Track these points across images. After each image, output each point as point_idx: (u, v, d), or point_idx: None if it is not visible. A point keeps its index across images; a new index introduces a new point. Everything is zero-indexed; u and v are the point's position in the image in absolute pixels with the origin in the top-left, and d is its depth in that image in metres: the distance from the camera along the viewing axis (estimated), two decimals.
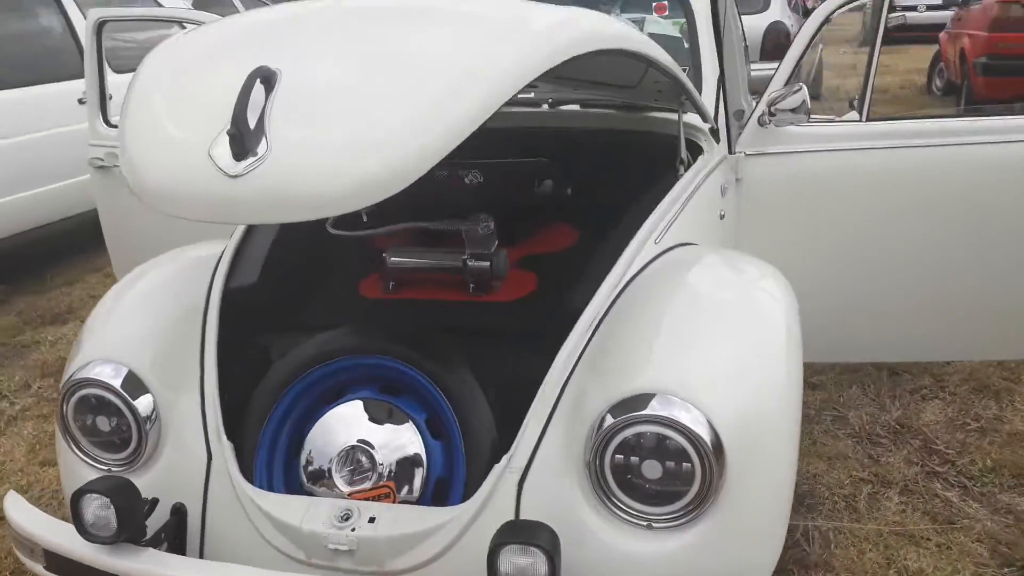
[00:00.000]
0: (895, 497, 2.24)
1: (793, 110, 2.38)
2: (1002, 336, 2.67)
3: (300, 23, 1.38)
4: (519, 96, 2.57)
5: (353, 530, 1.54)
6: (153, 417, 1.73)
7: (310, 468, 1.67)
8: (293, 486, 1.70)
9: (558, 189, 2.21)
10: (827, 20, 2.42)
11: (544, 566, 1.33)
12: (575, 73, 1.98)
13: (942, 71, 9.55)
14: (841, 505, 2.21)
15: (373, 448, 1.64)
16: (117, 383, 1.73)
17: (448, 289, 1.99)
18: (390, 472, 1.63)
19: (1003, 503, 2.21)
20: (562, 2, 1.50)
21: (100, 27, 3.05)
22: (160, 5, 5.37)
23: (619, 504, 1.49)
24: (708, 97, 2.46)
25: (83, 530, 1.52)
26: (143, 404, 1.73)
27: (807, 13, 9.22)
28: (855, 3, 2.35)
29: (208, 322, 1.83)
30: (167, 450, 1.73)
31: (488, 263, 1.93)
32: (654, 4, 3.35)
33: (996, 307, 2.61)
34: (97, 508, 1.51)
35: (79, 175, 3.98)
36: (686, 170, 2.26)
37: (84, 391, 1.74)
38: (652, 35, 3.16)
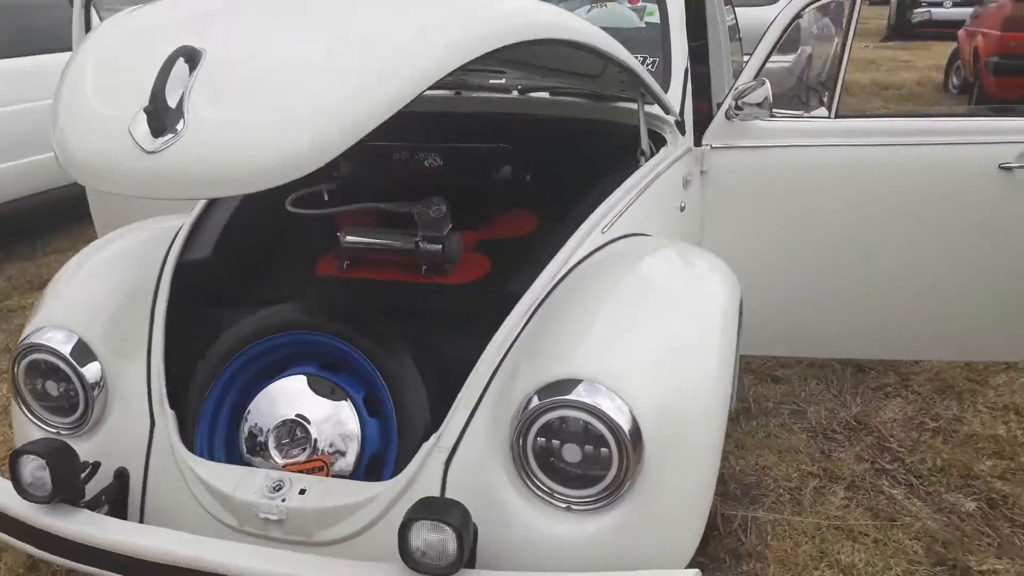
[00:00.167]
0: (840, 492, 2.26)
1: (759, 104, 2.38)
2: (969, 337, 2.68)
3: (235, 3, 1.40)
4: (489, 82, 2.61)
5: (283, 501, 1.58)
6: (100, 384, 1.78)
7: (249, 439, 1.71)
8: (234, 456, 1.75)
9: (517, 175, 2.23)
10: (798, 16, 2.41)
11: (454, 543, 1.37)
12: (531, 59, 1.99)
13: (959, 69, 9.42)
14: (785, 498, 2.23)
15: (309, 422, 1.68)
16: (66, 350, 1.77)
17: (401, 270, 2.02)
18: (326, 447, 1.67)
19: (947, 503, 2.23)
20: None
21: (88, 1, 3.07)
22: None
23: (540, 485, 1.52)
24: (676, 89, 2.47)
25: (21, 490, 1.57)
26: (91, 371, 1.77)
27: None
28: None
29: (159, 293, 1.87)
30: (113, 416, 1.77)
31: (440, 246, 1.96)
32: None
33: (962, 307, 2.62)
34: (34, 469, 1.56)
35: None
36: (647, 161, 2.27)
37: (34, 356, 1.78)
38: (608, 28, 3.17)
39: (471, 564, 1.50)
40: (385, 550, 1.48)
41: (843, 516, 2.16)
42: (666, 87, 2.47)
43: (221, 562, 1.44)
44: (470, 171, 2.21)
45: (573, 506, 1.52)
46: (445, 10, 1.42)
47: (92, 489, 1.67)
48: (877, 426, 2.61)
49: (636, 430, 1.48)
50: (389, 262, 2.03)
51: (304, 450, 1.67)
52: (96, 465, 1.70)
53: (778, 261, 2.62)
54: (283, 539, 1.59)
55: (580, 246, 1.85)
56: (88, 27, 3.10)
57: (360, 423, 1.70)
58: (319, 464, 1.67)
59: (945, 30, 10.34)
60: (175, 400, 1.75)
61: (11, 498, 1.58)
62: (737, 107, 2.44)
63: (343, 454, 1.68)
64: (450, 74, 1.35)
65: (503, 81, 2.54)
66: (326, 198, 2.21)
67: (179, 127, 1.19)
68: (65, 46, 4.68)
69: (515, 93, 2.53)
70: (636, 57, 2.61)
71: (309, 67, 1.26)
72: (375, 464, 1.70)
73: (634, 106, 2.30)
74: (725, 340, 1.73)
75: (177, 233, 2.03)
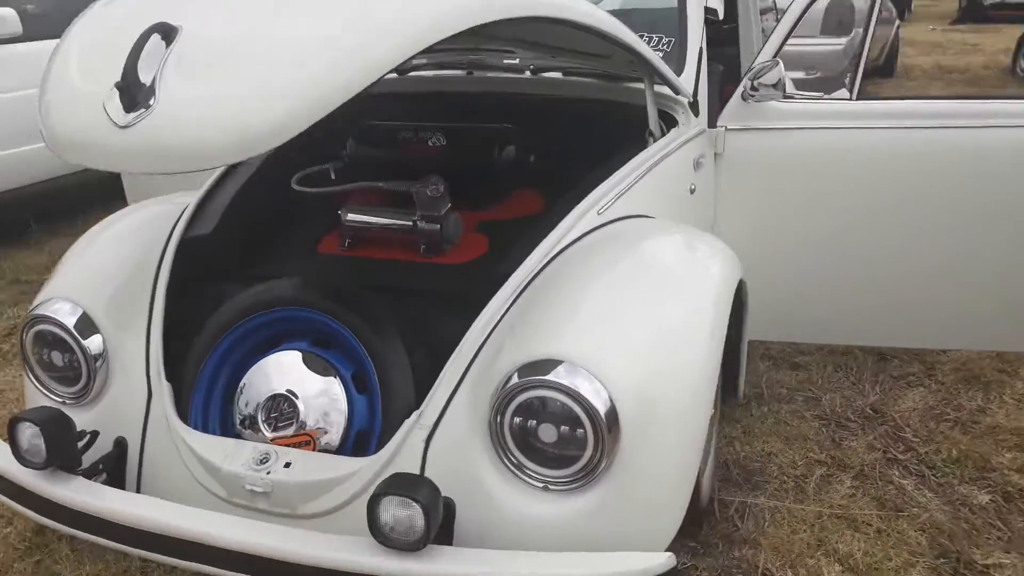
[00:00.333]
0: (847, 481, 2.21)
1: (773, 85, 2.32)
2: (995, 326, 2.58)
3: None
4: (503, 62, 2.59)
5: (268, 473, 1.61)
6: (103, 356, 1.83)
7: (241, 413, 1.75)
8: (228, 429, 1.79)
9: (521, 155, 2.21)
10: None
11: (421, 519, 1.38)
12: (537, 38, 1.97)
13: None
14: (789, 485, 2.19)
15: (297, 397, 1.70)
16: (71, 322, 1.83)
17: (400, 249, 2.03)
18: (313, 422, 1.70)
19: (959, 495, 2.16)
20: None
21: None
22: None
23: (518, 463, 1.52)
24: (691, 69, 2.41)
25: (19, 455, 1.64)
26: (93, 343, 1.83)
27: None
28: None
29: (162, 268, 1.91)
30: (114, 387, 1.83)
31: (438, 226, 1.96)
32: None
33: (989, 296, 2.52)
34: (31, 436, 1.62)
35: None
36: (656, 142, 2.24)
37: (40, 326, 1.85)
38: (639, 8, 3.12)
39: (448, 541, 1.52)
40: (366, 525, 1.49)
41: (847, 505, 2.11)
42: (681, 67, 2.42)
43: (191, 528, 1.49)
44: (473, 151, 2.21)
45: (550, 486, 1.52)
46: None
47: (91, 457, 1.73)
48: (894, 415, 2.53)
49: (613, 413, 1.47)
50: (389, 241, 2.05)
51: (291, 425, 1.70)
52: (95, 434, 1.75)
53: (794, 246, 2.56)
54: (269, 511, 1.62)
55: (573, 227, 1.83)
56: None
57: (348, 399, 1.72)
58: (306, 439, 1.70)
59: (1021, 12, 9.86)
60: (173, 373, 1.80)
61: (10, 463, 1.65)
62: (753, 88, 2.37)
63: (329, 430, 1.70)
64: (443, 50, 1.34)
65: (516, 62, 2.52)
66: (333, 177, 2.23)
67: (151, 102, 1.21)
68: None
69: (527, 74, 2.51)
70: (658, 37, 2.57)
71: (286, 42, 1.26)
72: (362, 440, 1.72)
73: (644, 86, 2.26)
74: (716, 325, 1.70)
75: (185, 209, 2.08)
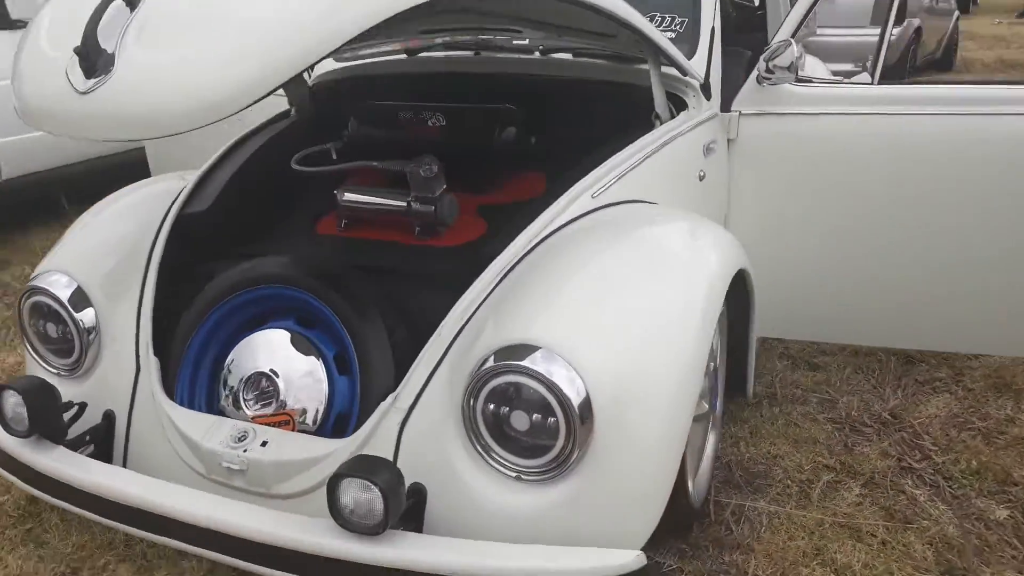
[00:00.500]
0: (856, 488, 2.11)
1: (787, 68, 2.22)
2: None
3: None
4: (512, 43, 2.53)
5: (245, 451, 1.60)
6: (95, 329, 1.84)
7: (224, 390, 1.74)
8: (214, 406, 1.78)
9: (522, 137, 2.17)
10: None
11: (380, 503, 1.35)
12: (538, 16, 1.92)
13: None
14: (793, 490, 2.10)
15: (278, 376, 1.69)
16: (65, 295, 1.85)
17: (396, 231, 2.00)
18: (292, 402, 1.68)
19: (975, 508, 2.04)
20: None
21: None
22: None
23: (490, 450, 1.49)
24: (703, 51, 2.33)
25: (4, 423, 1.66)
26: (86, 317, 1.84)
27: None
28: None
29: (156, 245, 1.92)
30: (104, 360, 1.84)
31: (432, 207, 1.92)
32: None
33: (1021, 297, 2.39)
34: (14, 405, 1.64)
35: None
36: (662, 125, 2.16)
37: (36, 298, 1.87)
38: None
39: (418, 528, 1.49)
40: None
41: (852, 514, 2.01)
42: (694, 49, 2.34)
43: (157, 502, 1.49)
44: (473, 132, 2.17)
45: (523, 476, 1.48)
46: None
47: (79, 429, 1.74)
48: (912, 422, 2.42)
49: (587, 403, 1.42)
50: (384, 222, 2.02)
51: (271, 403, 1.69)
52: (83, 406, 1.77)
53: (812, 238, 2.45)
54: (245, 489, 1.61)
55: (564, 211, 1.78)
56: None
57: (329, 380, 1.71)
58: (285, 418, 1.68)
59: None
60: (162, 348, 1.80)
61: None
62: (768, 71, 2.28)
63: (309, 410, 1.69)
64: (450, 30, 1.30)
65: (526, 42, 2.47)
66: (334, 157, 2.21)
67: (111, 69, 1.20)
68: None
69: (536, 54, 2.46)
70: (671, 17, 2.49)
71: (247, 9, 1.24)
72: (342, 422, 1.70)
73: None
74: (706, 316, 1.63)
75: (183, 188, 2.08)
